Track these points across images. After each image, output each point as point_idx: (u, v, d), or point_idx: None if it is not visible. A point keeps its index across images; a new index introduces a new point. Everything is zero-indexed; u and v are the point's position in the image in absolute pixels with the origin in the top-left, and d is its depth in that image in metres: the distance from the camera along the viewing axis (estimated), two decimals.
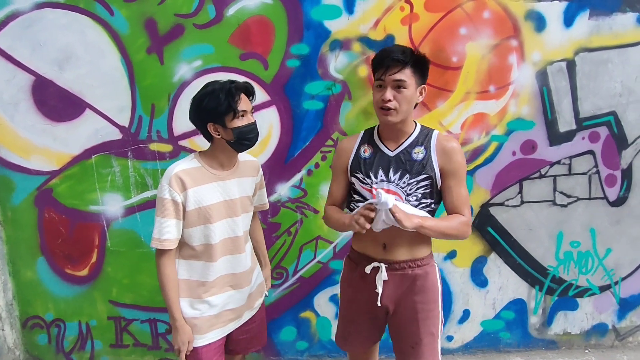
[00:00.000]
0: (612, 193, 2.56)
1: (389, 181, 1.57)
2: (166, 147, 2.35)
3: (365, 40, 2.27)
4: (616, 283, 2.68)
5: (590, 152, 2.49)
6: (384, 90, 1.50)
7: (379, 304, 1.59)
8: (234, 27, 2.23)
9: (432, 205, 1.62)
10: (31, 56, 2.24)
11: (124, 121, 2.32)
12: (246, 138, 1.58)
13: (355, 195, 1.69)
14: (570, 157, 2.49)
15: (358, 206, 1.63)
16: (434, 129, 1.66)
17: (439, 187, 1.60)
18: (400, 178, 1.57)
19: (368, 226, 1.47)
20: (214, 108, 1.52)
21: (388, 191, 1.55)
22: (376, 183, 1.58)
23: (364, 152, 1.65)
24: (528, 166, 2.48)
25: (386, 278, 1.59)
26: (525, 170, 2.49)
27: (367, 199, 1.59)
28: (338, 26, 2.25)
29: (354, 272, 1.70)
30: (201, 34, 2.23)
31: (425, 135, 1.62)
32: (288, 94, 2.31)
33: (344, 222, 1.60)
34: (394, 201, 1.45)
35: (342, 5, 2.23)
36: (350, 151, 1.68)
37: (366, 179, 1.60)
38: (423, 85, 1.58)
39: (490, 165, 2.46)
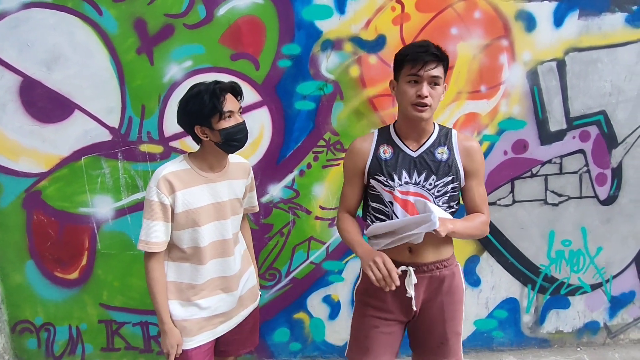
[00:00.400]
0: (603, 192, 2.58)
1: (414, 183, 1.52)
2: (157, 149, 2.33)
3: (356, 40, 2.27)
4: (607, 281, 2.70)
5: (581, 151, 2.51)
6: (420, 85, 1.44)
7: (414, 308, 1.54)
8: (224, 27, 2.21)
9: (455, 206, 1.60)
10: (18, 57, 2.21)
11: (114, 122, 2.29)
12: (234, 139, 1.55)
13: (372, 203, 1.61)
14: (561, 156, 2.50)
15: (378, 218, 1.55)
16: (451, 128, 1.62)
17: (461, 187, 1.59)
18: (426, 180, 1.52)
19: (391, 288, 1.37)
20: (199, 110, 1.50)
21: (415, 194, 1.50)
22: (400, 185, 1.52)
23: (384, 152, 1.56)
24: (519, 165, 2.50)
25: (416, 281, 1.53)
26: (516, 170, 2.50)
27: (392, 202, 1.51)
28: (329, 26, 2.24)
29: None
30: (191, 34, 2.21)
31: (445, 135, 1.58)
32: (280, 94, 2.30)
33: (358, 246, 1.51)
34: (437, 220, 1.34)
35: (334, 5, 2.23)
36: (367, 152, 1.59)
37: (389, 181, 1.53)
38: (446, 84, 1.56)
39: None
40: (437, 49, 1.46)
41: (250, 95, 2.28)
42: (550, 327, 2.74)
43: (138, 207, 2.37)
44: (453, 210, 1.59)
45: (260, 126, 2.33)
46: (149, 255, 1.57)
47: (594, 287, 2.70)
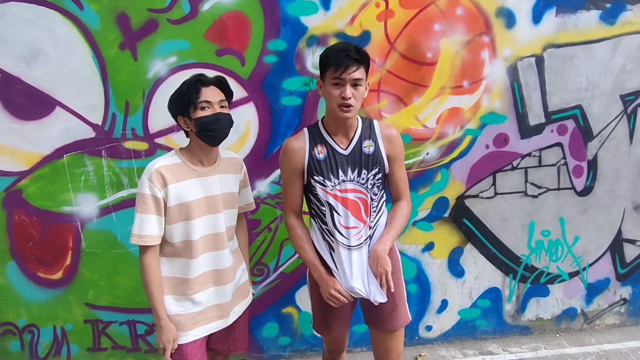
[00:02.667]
0: (579, 183, 2.68)
1: (349, 180, 1.63)
2: (142, 145, 2.30)
3: (341, 36, 2.29)
4: (584, 269, 2.81)
5: (559, 144, 2.60)
6: (344, 88, 1.53)
7: (375, 304, 1.67)
8: (209, 23, 2.20)
9: (380, 192, 1.71)
10: None
11: (97, 119, 2.26)
12: (208, 129, 1.56)
13: (313, 201, 1.71)
14: (540, 150, 2.58)
15: (319, 211, 1.68)
16: (372, 119, 1.73)
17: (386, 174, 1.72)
18: (359, 175, 1.63)
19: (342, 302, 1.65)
20: (178, 100, 1.58)
21: (353, 191, 1.63)
22: (338, 184, 1.63)
23: (319, 153, 1.64)
24: (501, 159, 2.57)
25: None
26: (498, 163, 2.57)
27: (329, 202, 1.64)
28: (315, 22, 2.26)
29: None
30: (176, 29, 2.19)
31: (368, 127, 1.69)
32: (266, 90, 2.31)
33: (314, 269, 1.70)
34: (383, 296, 1.63)
35: (318, 1, 2.24)
36: (303, 152, 1.65)
37: (326, 181, 1.63)
38: (368, 82, 1.65)
39: (464, 158, 2.53)
40: (358, 52, 1.54)
41: (236, 91, 2.24)
42: (530, 314, 2.84)
43: (123, 205, 2.34)
44: (382, 197, 1.73)
45: (246, 122, 2.33)
46: (143, 249, 1.56)
47: (572, 275, 2.81)
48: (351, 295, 1.68)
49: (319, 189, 1.65)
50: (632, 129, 2.65)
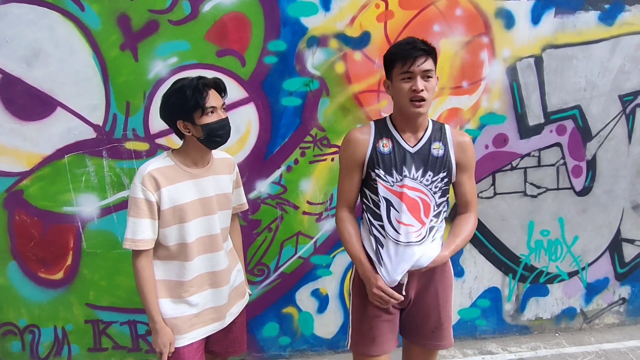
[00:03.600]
0: (578, 183, 2.69)
1: (412, 178, 1.54)
2: (143, 146, 2.31)
3: (341, 37, 2.30)
4: (583, 269, 2.82)
5: (558, 144, 2.61)
6: (414, 80, 1.46)
7: (403, 293, 1.58)
8: (210, 24, 2.21)
9: (445, 200, 1.62)
10: None
11: (98, 120, 2.26)
12: (216, 135, 1.55)
13: (369, 195, 1.61)
14: (539, 150, 2.60)
15: (375, 206, 1.58)
16: (443, 123, 1.64)
17: (453, 182, 1.63)
18: (423, 175, 1.55)
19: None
20: (182, 105, 1.51)
21: (412, 189, 1.54)
22: (400, 180, 1.54)
23: (384, 146, 1.56)
24: (500, 159, 2.58)
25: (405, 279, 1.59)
26: (497, 163, 2.58)
27: (387, 198, 1.55)
28: (315, 23, 2.27)
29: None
30: (176, 30, 2.20)
31: (439, 130, 1.60)
32: (266, 90, 2.32)
33: (359, 265, 1.60)
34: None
35: (319, 2, 2.25)
36: (366, 144, 1.58)
37: (387, 176, 1.55)
38: (437, 75, 1.56)
39: None
40: (424, 44, 1.49)
41: (236, 91, 2.29)
42: (530, 314, 2.85)
43: (124, 205, 2.34)
44: (443, 203, 1.61)
45: (247, 122, 2.34)
46: (137, 253, 1.55)
47: (571, 274, 2.82)
48: (396, 300, 1.57)
49: (379, 184, 1.55)
50: (631, 129, 2.66)
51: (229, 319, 1.75)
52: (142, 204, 1.51)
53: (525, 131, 2.56)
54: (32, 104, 2.21)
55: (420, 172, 1.55)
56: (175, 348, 1.60)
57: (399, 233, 1.54)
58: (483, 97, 2.48)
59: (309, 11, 2.25)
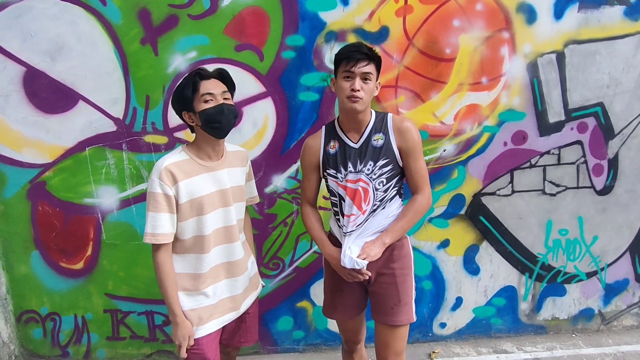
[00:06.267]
0: (599, 182, 2.63)
1: (357, 172, 1.69)
2: (161, 139, 2.34)
3: (360, 32, 2.29)
4: (602, 269, 2.77)
5: (579, 142, 2.56)
6: (353, 80, 1.61)
7: (362, 278, 1.71)
8: (228, 18, 2.22)
9: (396, 184, 1.74)
10: (21, 47, 2.21)
11: (118, 113, 2.30)
12: (214, 120, 1.56)
13: (331, 192, 1.79)
14: (560, 147, 2.55)
15: (333, 202, 1.79)
16: (388, 113, 1.76)
17: (401, 166, 1.73)
18: (364, 165, 1.69)
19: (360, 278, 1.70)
20: (179, 95, 1.58)
21: (354, 181, 1.69)
22: (347, 175, 1.70)
23: (332, 148, 1.75)
24: (519, 156, 2.54)
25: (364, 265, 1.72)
26: (516, 160, 2.55)
27: (339, 193, 1.73)
28: (333, 17, 2.26)
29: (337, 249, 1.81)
30: (196, 24, 2.22)
31: (381, 121, 1.73)
32: (284, 85, 2.32)
33: (321, 245, 1.81)
34: (360, 261, 1.65)
35: None
36: (318, 149, 1.79)
37: (337, 173, 1.73)
38: (379, 81, 1.71)
39: (482, 155, 2.51)
40: (369, 49, 1.63)
41: (254, 86, 2.30)
42: (546, 314, 2.81)
43: (143, 197, 2.38)
44: (394, 188, 1.74)
45: (264, 117, 2.35)
46: (157, 247, 1.57)
47: (590, 275, 2.77)
48: (360, 285, 1.79)
49: (330, 181, 1.76)
50: None
51: (243, 309, 1.78)
52: (160, 199, 1.54)
53: (545, 128, 2.51)
54: (55, 97, 2.26)
55: (362, 164, 1.69)
56: (194, 339, 1.63)
57: (345, 225, 1.72)
58: (502, 94, 2.44)
59: (328, 6, 2.25)
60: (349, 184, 1.70)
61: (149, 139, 2.33)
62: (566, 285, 2.77)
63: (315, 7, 2.24)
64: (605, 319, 2.87)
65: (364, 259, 1.65)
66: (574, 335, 2.85)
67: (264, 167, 2.40)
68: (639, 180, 2.65)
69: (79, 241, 2.44)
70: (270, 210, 2.47)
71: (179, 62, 2.25)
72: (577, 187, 2.62)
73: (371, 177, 1.69)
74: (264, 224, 2.47)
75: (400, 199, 1.80)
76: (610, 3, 2.38)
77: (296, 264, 2.57)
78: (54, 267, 2.47)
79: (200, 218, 1.60)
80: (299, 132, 2.38)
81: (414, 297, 1.82)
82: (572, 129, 2.53)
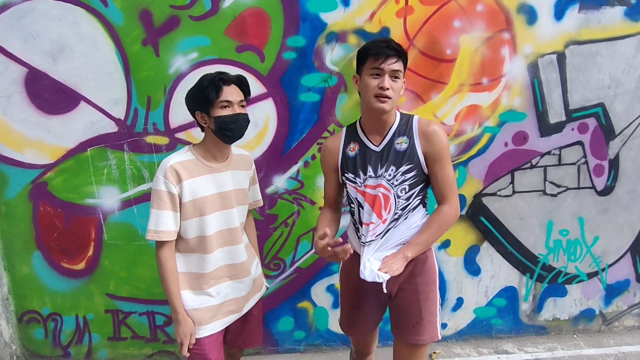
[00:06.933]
0: (600, 183, 2.63)
1: (377, 177, 1.58)
2: (163, 140, 2.34)
3: (361, 33, 2.29)
4: (603, 270, 2.77)
5: (579, 142, 2.56)
6: (382, 78, 1.50)
7: (384, 291, 1.59)
8: (230, 19, 2.23)
9: (419, 193, 1.62)
10: (23, 48, 2.21)
11: (120, 114, 2.31)
12: (227, 128, 1.58)
13: (349, 197, 1.68)
14: (560, 148, 2.55)
15: (351, 207, 1.68)
16: (413, 115, 1.64)
17: (426, 173, 1.61)
18: (386, 171, 1.58)
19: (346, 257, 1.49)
20: (198, 96, 1.58)
21: (374, 187, 1.57)
22: (366, 180, 1.59)
23: (351, 150, 1.64)
24: (519, 157, 2.54)
25: (386, 278, 1.56)
26: (516, 161, 2.55)
27: (357, 199, 1.62)
28: (334, 18, 2.26)
29: (355, 263, 1.66)
30: (197, 25, 2.22)
31: (406, 123, 1.61)
32: (284, 86, 2.32)
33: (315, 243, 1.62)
34: (382, 274, 1.50)
35: None
36: (337, 151, 1.68)
37: (355, 178, 1.62)
38: (404, 80, 1.61)
39: (483, 156, 2.51)
40: (398, 45, 1.53)
41: (255, 87, 2.30)
42: (547, 314, 2.81)
43: (144, 198, 2.39)
44: (418, 196, 1.61)
45: (265, 118, 2.36)
46: (160, 245, 1.58)
47: (590, 275, 2.77)
48: (379, 302, 1.70)
49: (349, 186, 1.65)
50: None
51: (245, 310, 1.79)
52: (164, 196, 1.55)
53: (546, 129, 2.51)
54: (56, 98, 2.27)
55: (383, 169, 1.58)
56: (196, 339, 1.64)
57: (364, 234, 1.60)
58: (503, 94, 2.44)
59: (328, 7, 2.25)
60: (367, 190, 1.59)
61: (150, 139, 2.34)
62: (567, 286, 2.77)
63: (316, 8, 2.25)
64: (607, 320, 2.87)
65: (385, 272, 1.51)
66: (575, 335, 2.84)
67: (265, 167, 2.40)
68: (639, 181, 2.65)
69: (81, 241, 2.45)
70: (271, 210, 2.47)
71: (180, 63, 2.26)
72: (578, 188, 2.62)
73: (392, 183, 1.57)
74: (265, 225, 2.47)
75: (425, 209, 1.67)
76: (611, 4, 2.38)
77: (297, 264, 2.57)
78: (56, 268, 2.48)
79: (203, 219, 1.61)
80: (299, 133, 2.39)
81: (439, 313, 1.70)
82: (572, 129, 2.53)
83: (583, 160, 2.58)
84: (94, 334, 2.59)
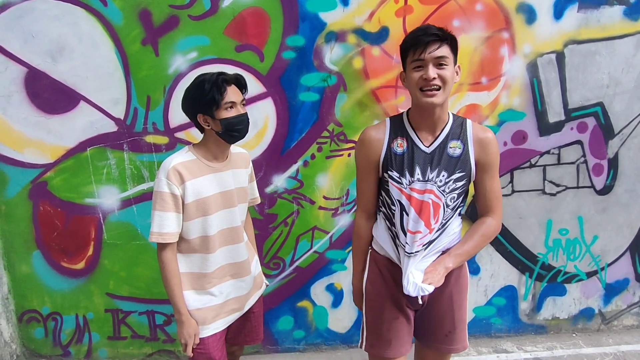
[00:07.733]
0: (599, 182, 2.64)
1: (425, 180, 1.44)
2: (162, 139, 2.35)
3: (360, 32, 2.29)
4: (602, 269, 2.77)
5: (579, 142, 2.56)
6: (426, 68, 1.35)
7: (420, 302, 1.52)
8: (229, 19, 2.23)
9: (462, 202, 1.53)
10: (23, 48, 2.22)
11: (119, 113, 2.31)
12: (234, 129, 1.58)
13: (384, 196, 1.53)
14: (559, 147, 2.55)
15: (390, 211, 1.51)
16: (466, 118, 1.52)
17: (472, 181, 1.51)
18: (437, 176, 1.44)
19: None
20: (200, 99, 1.54)
21: (423, 192, 1.44)
22: (412, 182, 1.45)
23: (399, 146, 1.46)
24: (519, 156, 2.55)
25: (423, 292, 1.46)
26: (516, 160, 2.55)
27: (401, 202, 1.46)
28: (333, 18, 2.26)
29: (386, 273, 1.57)
30: (196, 25, 2.23)
31: (460, 126, 1.48)
32: (284, 85, 2.33)
33: (354, 277, 1.68)
34: (427, 286, 1.39)
35: None
36: (381, 144, 1.49)
37: (401, 177, 1.46)
38: (458, 64, 1.45)
39: None
40: (439, 29, 1.38)
41: (254, 86, 2.30)
42: (546, 313, 2.81)
43: (144, 197, 2.39)
44: (461, 205, 1.53)
45: (264, 117, 2.36)
46: (163, 247, 1.57)
47: (590, 274, 2.77)
48: (409, 314, 1.57)
49: (391, 186, 1.47)
50: None
51: (246, 307, 1.80)
52: (167, 198, 1.54)
53: (545, 128, 2.52)
54: (56, 97, 2.27)
55: (434, 173, 1.44)
56: (200, 338, 1.64)
57: (409, 244, 1.46)
58: (502, 94, 2.44)
59: (328, 6, 2.25)
60: (414, 194, 1.44)
61: (150, 139, 2.34)
62: (566, 285, 2.78)
63: (315, 8, 2.25)
64: (606, 319, 2.87)
65: (429, 284, 1.39)
66: (574, 334, 2.85)
67: (264, 167, 2.41)
68: (639, 180, 2.65)
69: (80, 241, 2.45)
70: (270, 210, 2.47)
71: (180, 62, 2.26)
72: (577, 187, 2.63)
73: (444, 191, 1.43)
74: (265, 224, 2.48)
75: (460, 217, 1.56)
76: (610, 3, 2.38)
77: (297, 263, 2.57)
78: (56, 267, 2.48)
79: (206, 219, 1.61)
80: (299, 133, 2.39)
81: (467, 321, 1.65)
82: (572, 128, 2.53)
83: (582, 159, 2.59)
84: (94, 333, 2.59)
